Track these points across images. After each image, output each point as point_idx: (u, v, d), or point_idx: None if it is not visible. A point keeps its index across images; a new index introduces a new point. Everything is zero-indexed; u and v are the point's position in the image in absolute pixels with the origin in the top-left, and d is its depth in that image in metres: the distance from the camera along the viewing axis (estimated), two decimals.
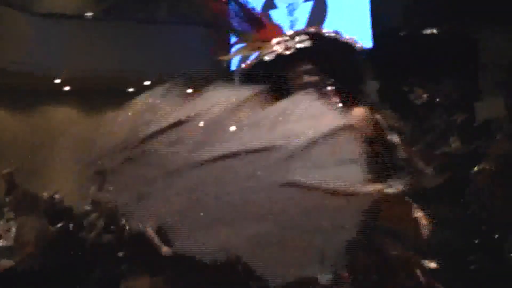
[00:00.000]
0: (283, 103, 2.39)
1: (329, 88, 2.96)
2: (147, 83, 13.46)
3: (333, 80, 2.99)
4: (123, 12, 14.37)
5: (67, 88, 13.78)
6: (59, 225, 7.40)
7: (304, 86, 2.85)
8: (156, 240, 7.44)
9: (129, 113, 2.62)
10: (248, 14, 3.19)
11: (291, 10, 12.97)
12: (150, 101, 2.55)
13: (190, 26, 14.06)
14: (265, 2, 13.32)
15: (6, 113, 13.54)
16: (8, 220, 8.31)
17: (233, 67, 13.45)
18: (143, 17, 14.54)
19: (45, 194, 9.22)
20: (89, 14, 14.06)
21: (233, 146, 2.24)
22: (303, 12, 12.87)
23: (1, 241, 7.46)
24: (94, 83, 13.38)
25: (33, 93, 13.67)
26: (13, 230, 7.78)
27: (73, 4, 15.27)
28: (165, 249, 7.37)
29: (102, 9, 14.91)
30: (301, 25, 12.82)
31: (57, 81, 13.04)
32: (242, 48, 3.25)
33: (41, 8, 14.06)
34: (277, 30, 3.21)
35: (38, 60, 12.15)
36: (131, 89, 14.16)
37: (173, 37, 13.72)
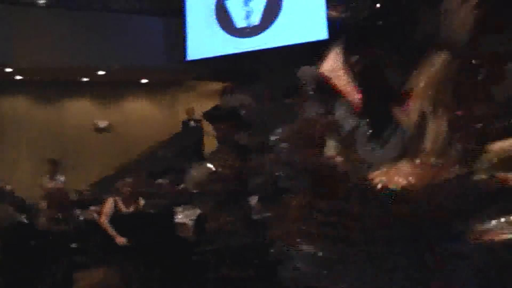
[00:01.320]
0: None
1: None
2: (101, 73, 13.30)
3: None
4: (77, 0, 14.13)
5: (18, 77, 13.48)
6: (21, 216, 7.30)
7: None
8: (110, 230, 7.41)
9: None
10: None
11: (247, 0, 12.95)
12: None
13: (145, 16, 13.91)
14: None
15: None
16: None
17: (190, 56, 13.44)
18: (98, 6, 14.31)
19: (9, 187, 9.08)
20: (41, 1, 13.77)
21: None
22: (259, 3, 12.85)
23: None
24: (47, 72, 13.13)
25: None
26: None
27: None
28: (120, 239, 7.35)
29: None
30: (257, 16, 12.83)
31: (8, 70, 12.75)
32: None
33: None
34: None
35: None
36: (85, 79, 13.98)
37: (128, 27, 13.54)
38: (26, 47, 12.15)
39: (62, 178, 9.77)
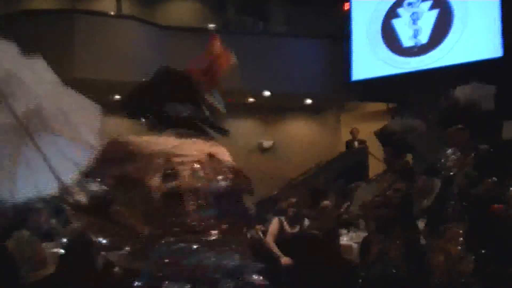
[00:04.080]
0: None
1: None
2: (266, 93, 13.59)
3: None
4: (242, 25, 14.60)
5: None
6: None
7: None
8: (276, 250, 7.44)
9: None
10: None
11: (415, 19, 12.66)
12: None
13: (308, 38, 14.06)
14: (387, 12, 13.09)
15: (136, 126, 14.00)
16: None
17: (354, 77, 13.36)
18: (261, 30, 14.72)
19: None
20: (211, 26, 14.37)
21: None
22: (428, 21, 12.51)
23: None
24: None
25: None
26: None
27: (194, 16, 15.71)
28: (285, 260, 7.36)
29: (222, 22, 15.22)
30: (425, 35, 12.49)
31: None
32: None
33: (164, 20, 14.59)
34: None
35: None
36: (251, 100, 14.36)
37: (291, 50, 13.75)
38: None
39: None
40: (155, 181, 2.69)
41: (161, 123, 3.11)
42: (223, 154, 3.27)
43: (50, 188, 3.25)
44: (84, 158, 3.13)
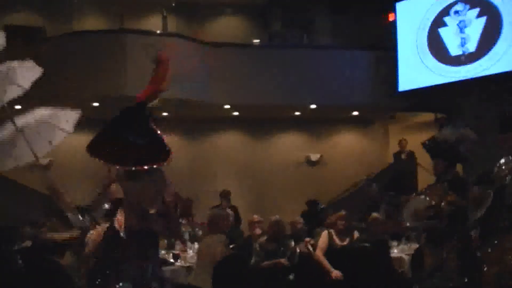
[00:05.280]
0: None
1: None
2: (312, 106, 13.58)
3: None
4: (287, 38, 14.65)
5: (235, 113, 14.20)
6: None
7: None
8: (326, 263, 7.42)
9: None
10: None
11: (462, 27, 12.50)
12: None
13: (353, 49, 14.01)
14: (433, 21, 12.96)
15: (181, 141, 14.14)
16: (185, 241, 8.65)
17: (401, 87, 13.24)
18: (306, 43, 14.74)
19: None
20: (256, 41, 14.47)
21: None
22: (476, 29, 12.33)
23: (179, 261, 7.73)
24: (260, 109, 13.67)
25: (204, 120, 14.27)
26: (190, 251, 8.08)
27: (240, 32, 15.85)
28: (335, 273, 7.33)
29: (268, 36, 15.30)
30: (473, 43, 12.31)
31: (227, 106, 13.49)
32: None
33: (210, 37, 14.77)
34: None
35: (206, 88, 12.64)
36: (297, 113, 14.36)
37: (336, 62, 13.73)
38: (243, 85, 12.79)
39: (228, 210, 9.98)
40: None
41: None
42: None
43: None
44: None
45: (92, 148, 3.73)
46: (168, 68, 3.99)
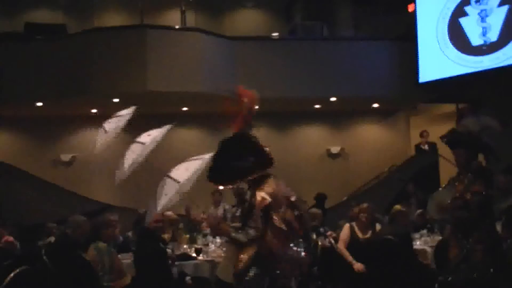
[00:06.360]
0: None
1: None
2: (333, 99, 13.51)
3: None
4: (308, 30, 14.56)
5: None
6: None
7: None
8: (348, 256, 7.39)
9: None
10: None
11: (483, 16, 12.35)
12: None
13: (375, 41, 13.92)
14: (454, 11, 12.83)
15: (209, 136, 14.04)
16: (204, 236, 8.67)
17: (422, 78, 13.13)
18: (327, 35, 14.64)
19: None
20: (275, 34, 14.42)
21: None
22: (497, 18, 12.18)
23: (201, 255, 7.75)
24: (282, 103, 13.62)
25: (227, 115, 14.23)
26: (212, 246, 8.09)
27: (260, 25, 15.83)
28: (358, 266, 7.31)
29: (288, 29, 15.25)
30: (495, 32, 12.17)
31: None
32: None
33: (231, 30, 14.74)
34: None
35: (227, 82, 12.61)
36: (317, 106, 14.30)
37: (357, 53, 13.63)
38: (266, 79, 12.72)
39: (227, 207, 9.94)
40: None
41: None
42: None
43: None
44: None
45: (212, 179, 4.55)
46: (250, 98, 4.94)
